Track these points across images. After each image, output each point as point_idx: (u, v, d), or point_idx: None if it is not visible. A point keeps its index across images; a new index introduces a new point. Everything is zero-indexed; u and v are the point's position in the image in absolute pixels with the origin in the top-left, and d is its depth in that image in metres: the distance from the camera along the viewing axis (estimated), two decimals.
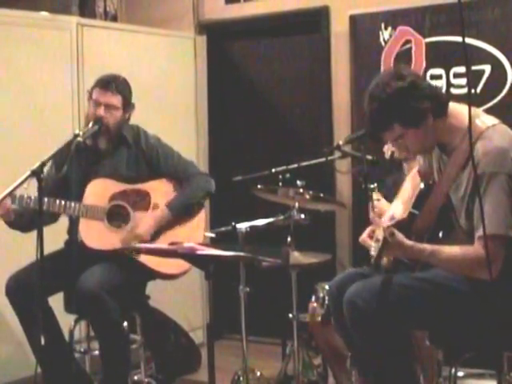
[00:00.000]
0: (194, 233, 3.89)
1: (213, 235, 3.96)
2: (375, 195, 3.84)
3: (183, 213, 3.88)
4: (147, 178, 3.89)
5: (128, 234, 3.77)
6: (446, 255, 2.76)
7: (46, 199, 3.62)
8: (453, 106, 2.86)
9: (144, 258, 3.71)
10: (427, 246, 2.77)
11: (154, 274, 3.83)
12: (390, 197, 3.79)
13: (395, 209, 3.11)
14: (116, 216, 3.82)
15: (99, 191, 3.80)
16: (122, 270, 3.72)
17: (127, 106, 3.86)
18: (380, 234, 2.69)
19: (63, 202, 3.69)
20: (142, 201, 3.86)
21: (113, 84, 3.79)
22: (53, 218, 3.87)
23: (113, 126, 3.80)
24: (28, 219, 3.68)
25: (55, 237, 3.87)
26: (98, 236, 3.76)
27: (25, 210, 3.66)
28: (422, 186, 3.00)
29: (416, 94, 2.77)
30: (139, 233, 3.77)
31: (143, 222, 3.80)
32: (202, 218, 3.97)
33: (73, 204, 3.71)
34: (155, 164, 3.90)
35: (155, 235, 3.83)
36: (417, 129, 2.80)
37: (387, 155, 4.02)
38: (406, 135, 2.82)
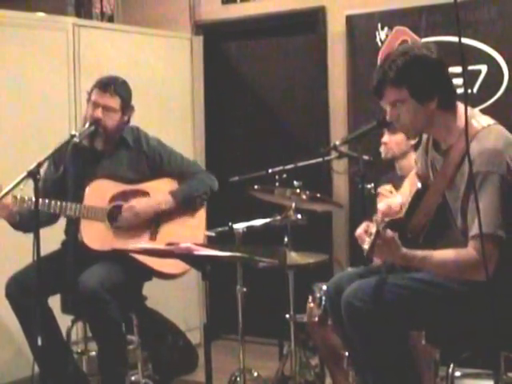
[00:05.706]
0: (195, 232, 3.89)
1: (213, 234, 3.96)
2: (387, 188, 3.88)
3: (186, 203, 3.89)
4: (148, 178, 3.90)
5: (126, 208, 3.78)
6: (437, 260, 2.75)
7: (46, 200, 3.62)
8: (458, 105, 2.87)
9: (145, 258, 3.70)
10: (418, 252, 2.75)
11: (155, 274, 3.83)
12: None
13: (392, 200, 3.12)
14: (117, 217, 3.82)
15: (99, 192, 3.80)
16: (122, 269, 3.72)
17: (126, 108, 3.85)
18: (373, 228, 2.69)
19: (63, 203, 3.68)
20: None
21: (112, 86, 3.78)
22: (53, 219, 3.87)
23: (111, 127, 3.79)
24: (29, 220, 3.67)
25: (53, 237, 3.87)
26: (99, 237, 3.76)
27: (26, 211, 3.65)
28: (419, 185, 3.01)
29: (435, 72, 2.81)
30: (134, 204, 3.79)
31: (142, 200, 3.83)
32: (202, 217, 3.98)
33: (73, 205, 3.71)
34: (158, 165, 3.91)
35: (157, 222, 3.84)
36: (419, 104, 2.81)
37: (384, 155, 4.03)
38: (406, 104, 2.82)
